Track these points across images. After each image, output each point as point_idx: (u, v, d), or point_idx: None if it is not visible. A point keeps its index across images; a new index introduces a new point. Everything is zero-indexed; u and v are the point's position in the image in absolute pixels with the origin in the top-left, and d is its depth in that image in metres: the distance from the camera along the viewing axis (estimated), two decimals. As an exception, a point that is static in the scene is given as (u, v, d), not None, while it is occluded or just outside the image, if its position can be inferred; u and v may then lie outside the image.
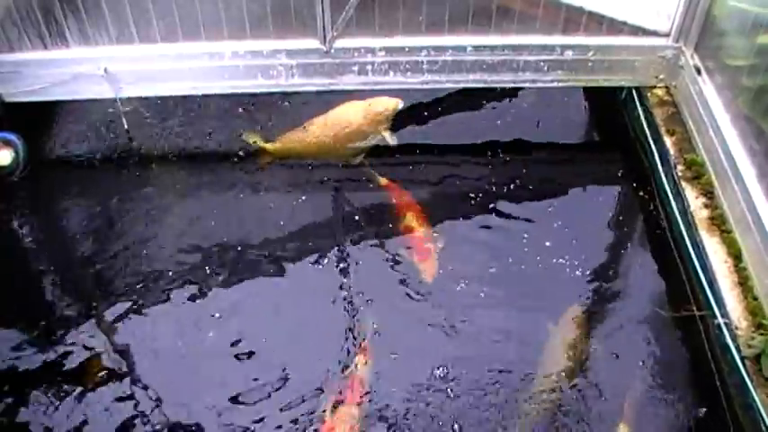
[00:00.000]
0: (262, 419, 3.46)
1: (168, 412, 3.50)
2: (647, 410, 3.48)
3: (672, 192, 4.20)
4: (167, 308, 3.93)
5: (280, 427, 3.43)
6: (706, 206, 3.97)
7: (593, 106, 5.13)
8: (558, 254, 4.11)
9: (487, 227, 4.30)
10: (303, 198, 4.50)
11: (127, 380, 3.62)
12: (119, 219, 4.41)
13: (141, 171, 4.70)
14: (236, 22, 4.34)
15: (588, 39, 4.47)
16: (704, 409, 3.47)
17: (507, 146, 4.79)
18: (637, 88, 4.73)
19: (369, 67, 4.56)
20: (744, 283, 3.58)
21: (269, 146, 4.70)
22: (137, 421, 3.47)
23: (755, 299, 3.50)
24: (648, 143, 4.51)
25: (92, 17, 4.30)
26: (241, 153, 4.76)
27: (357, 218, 4.38)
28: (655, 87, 4.66)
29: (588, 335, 3.76)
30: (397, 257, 4.11)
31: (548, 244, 4.16)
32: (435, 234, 4.21)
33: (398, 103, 4.64)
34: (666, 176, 4.28)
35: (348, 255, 4.15)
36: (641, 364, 3.65)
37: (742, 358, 3.31)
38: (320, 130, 4.66)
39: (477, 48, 4.48)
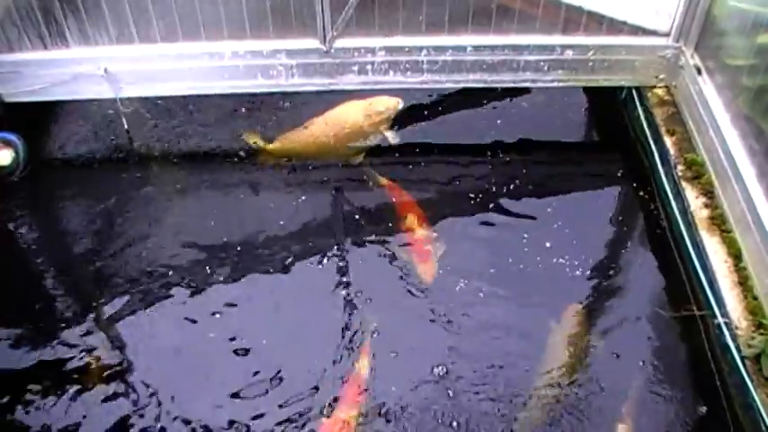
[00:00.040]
0: (261, 419, 3.45)
1: (168, 412, 3.49)
2: (648, 410, 3.48)
3: (672, 191, 4.20)
4: (167, 307, 3.93)
5: (279, 426, 3.42)
6: (706, 206, 3.97)
7: (593, 106, 5.12)
8: (558, 254, 4.11)
9: (487, 227, 4.30)
10: (303, 198, 4.50)
11: (127, 379, 3.62)
12: (119, 218, 4.41)
13: (141, 171, 4.70)
14: (235, 21, 4.34)
15: (588, 38, 4.47)
16: (704, 409, 3.47)
17: (507, 146, 4.79)
18: (637, 88, 4.73)
19: (369, 67, 4.56)
20: (744, 282, 3.58)
21: (269, 146, 4.70)
22: (137, 421, 3.47)
23: (755, 298, 3.50)
24: (648, 143, 4.51)
25: (92, 17, 4.30)
26: (241, 153, 4.77)
27: (357, 218, 4.39)
28: (655, 87, 4.66)
29: (588, 334, 3.76)
30: (396, 258, 4.10)
31: (548, 244, 4.15)
32: (436, 236, 4.20)
33: (399, 103, 4.63)
34: (666, 176, 4.28)
35: (348, 255, 4.15)
36: (641, 363, 3.64)
37: (742, 358, 3.30)
38: (320, 129, 4.66)
39: (477, 48, 4.48)
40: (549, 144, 4.89)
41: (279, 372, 3.62)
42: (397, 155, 4.73)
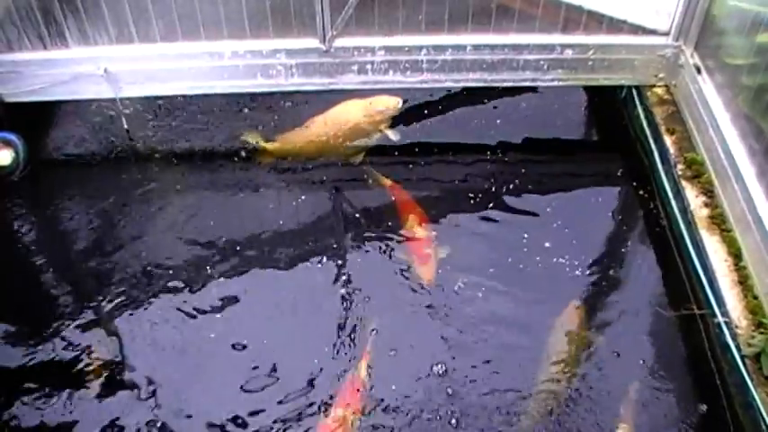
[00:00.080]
0: (261, 419, 3.45)
1: (168, 411, 3.50)
2: (648, 409, 3.48)
3: (672, 191, 4.20)
4: (167, 307, 3.93)
5: (279, 426, 3.43)
6: (706, 205, 3.97)
7: (592, 105, 5.12)
8: (558, 253, 4.11)
9: (486, 226, 4.30)
10: (303, 197, 4.50)
11: (127, 379, 3.63)
12: (118, 218, 4.41)
13: (141, 171, 4.70)
14: (235, 21, 4.34)
15: (588, 38, 4.47)
16: (704, 408, 3.47)
17: (507, 145, 4.79)
18: (637, 87, 4.73)
19: (368, 67, 4.56)
20: (744, 281, 3.58)
21: (269, 145, 4.70)
22: (137, 420, 3.47)
23: (755, 298, 3.50)
24: (648, 142, 4.51)
25: (91, 17, 4.30)
26: (241, 153, 4.76)
27: (357, 218, 4.38)
28: (654, 86, 4.66)
29: (588, 333, 3.76)
30: (396, 259, 4.10)
31: (547, 244, 4.15)
32: (437, 239, 4.18)
33: (398, 102, 4.63)
34: (666, 175, 4.28)
35: (348, 255, 4.15)
36: (641, 362, 3.65)
37: (742, 357, 3.31)
38: (320, 128, 4.66)
39: (476, 47, 4.48)
40: (549, 143, 4.89)
41: (279, 371, 3.63)
42: (396, 154, 4.73)
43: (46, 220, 4.49)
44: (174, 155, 4.81)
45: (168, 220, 4.39)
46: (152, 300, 3.95)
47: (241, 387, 3.59)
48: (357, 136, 4.67)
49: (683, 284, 3.92)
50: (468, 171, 4.65)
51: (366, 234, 4.26)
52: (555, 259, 4.08)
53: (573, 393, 3.52)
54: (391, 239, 4.21)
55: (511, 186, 4.50)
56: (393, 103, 4.62)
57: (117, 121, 4.83)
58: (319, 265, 4.10)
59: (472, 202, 4.41)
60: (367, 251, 4.18)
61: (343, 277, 4.03)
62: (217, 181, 4.65)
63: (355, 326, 3.79)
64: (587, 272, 4.04)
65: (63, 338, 3.79)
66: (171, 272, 4.09)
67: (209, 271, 4.09)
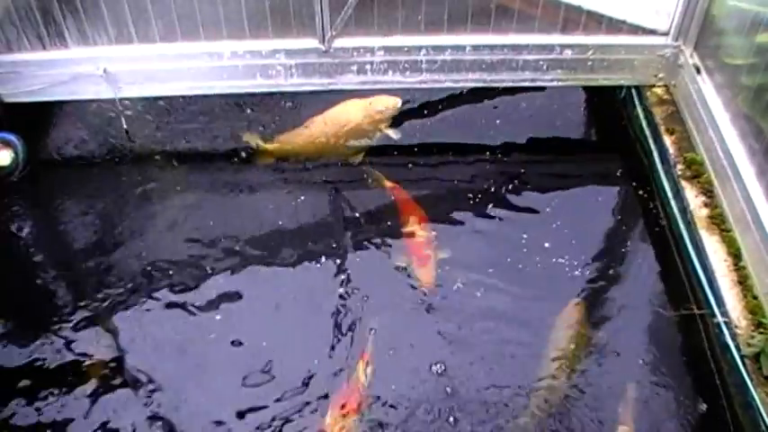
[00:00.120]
0: (260, 420, 3.45)
1: (167, 412, 3.50)
2: (647, 409, 3.48)
3: (671, 191, 4.20)
4: (167, 307, 3.93)
5: (278, 427, 3.42)
6: (705, 205, 3.96)
7: (592, 105, 5.12)
8: (557, 253, 4.11)
9: (485, 227, 4.29)
10: (302, 198, 4.49)
11: (127, 379, 3.62)
12: (118, 219, 4.41)
13: (141, 171, 4.69)
14: (235, 21, 4.34)
15: (587, 38, 4.47)
16: (704, 408, 3.47)
17: (506, 145, 4.79)
18: (636, 87, 4.73)
19: (368, 67, 4.56)
20: (743, 281, 3.58)
21: (269, 146, 4.70)
22: (136, 420, 3.47)
23: (755, 298, 3.50)
24: (648, 142, 4.51)
25: (90, 17, 4.30)
26: (241, 153, 4.76)
27: (357, 218, 4.38)
28: (654, 86, 4.66)
29: (588, 333, 3.76)
30: (395, 260, 4.10)
31: (547, 244, 4.15)
32: (437, 240, 4.17)
33: (398, 102, 4.63)
34: (666, 175, 4.28)
35: (347, 255, 4.14)
36: (641, 362, 3.65)
37: (741, 357, 3.30)
38: (320, 128, 4.66)
39: (476, 47, 4.48)
40: (549, 143, 4.89)
41: (278, 371, 3.62)
42: (395, 154, 4.73)
43: (45, 220, 4.49)
44: (173, 155, 4.80)
45: (168, 220, 4.39)
46: (151, 299, 3.95)
47: (240, 387, 3.58)
48: (356, 136, 4.67)
49: (682, 284, 3.92)
50: (467, 171, 4.64)
51: (365, 235, 4.26)
52: (554, 259, 4.08)
53: (573, 392, 3.52)
54: (391, 240, 4.21)
55: (510, 186, 4.50)
56: (392, 104, 4.62)
57: (116, 121, 4.83)
58: (319, 266, 4.10)
59: (471, 202, 4.41)
60: (366, 252, 4.18)
61: (343, 277, 4.03)
62: (216, 181, 4.65)
63: (355, 326, 3.79)
64: (587, 272, 4.04)
65: (62, 337, 3.79)
66: (170, 272, 4.08)
67: (208, 271, 4.09)
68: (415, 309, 3.87)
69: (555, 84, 4.67)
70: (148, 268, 4.11)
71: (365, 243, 4.21)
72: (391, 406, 3.48)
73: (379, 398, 3.51)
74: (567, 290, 3.95)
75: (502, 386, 3.54)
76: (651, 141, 4.48)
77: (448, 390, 3.54)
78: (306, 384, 3.56)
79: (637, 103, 4.71)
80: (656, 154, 4.40)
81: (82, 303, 3.96)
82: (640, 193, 4.46)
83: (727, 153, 3.87)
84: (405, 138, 4.76)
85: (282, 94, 4.94)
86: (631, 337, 3.75)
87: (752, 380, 3.23)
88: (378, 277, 4.04)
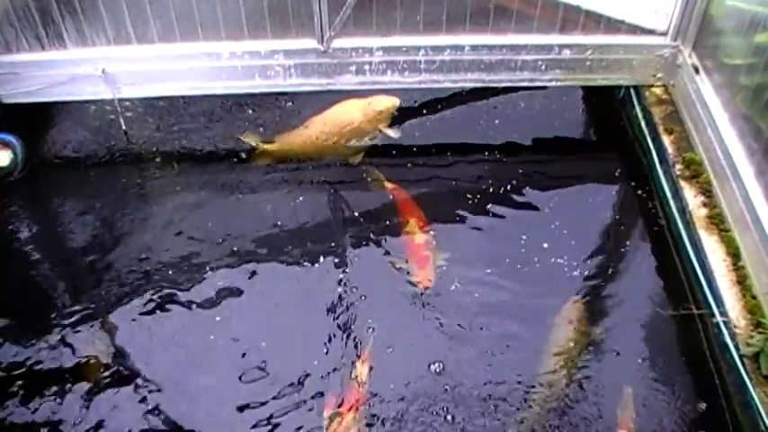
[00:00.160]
0: (259, 422, 3.45)
1: (167, 414, 3.49)
2: (646, 408, 3.47)
3: (670, 191, 4.20)
4: (166, 308, 3.92)
5: (277, 426, 3.42)
6: (704, 205, 3.97)
7: (590, 105, 5.12)
8: (556, 254, 4.11)
9: (485, 228, 4.29)
10: (301, 198, 4.49)
11: (126, 381, 3.62)
12: (117, 220, 4.40)
13: (139, 172, 4.69)
14: (233, 22, 4.34)
15: (586, 38, 4.47)
16: (703, 408, 3.47)
17: (505, 145, 4.79)
18: (635, 87, 4.73)
19: (366, 67, 4.56)
20: (742, 281, 3.58)
21: (268, 146, 4.70)
22: (135, 420, 3.46)
23: (754, 297, 3.50)
24: (647, 142, 4.51)
25: (89, 18, 4.30)
26: (240, 154, 4.76)
27: (356, 219, 4.37)
28: (653, 86, 4.66)
29: (588, 332, 3.76)
30: (394, 262, 4.09)
31: (546, 245, 4.15)
32: (436, 241, 4.17)
33: (396, 102, 4.63)
34: (665, 175, 4.28)
35: (347, 256, 4.14)
36: (640, 361, 3.65)
37: (740, 357, 3.31)
38: (319, 129, 4.66)
39: (474, 47, 4.48)
40: (548, 143, 4.89)
41: (278, 372, 3.62)
42: (394, 154, 4.73)
43: (44, 220, 4.49)
44: (172, 156, 4.80)
45: (167, 221, 4.39)
46: (150, 300, 3.95)
47: (240, 387, 3.58)
48: (355, 136, 4.66)
49: (681, 284, 3.92)
50: (465, 171, 4.64)
51: (364, 235, 4.25)
52: (553, 259, 4.08)
53: (572, 391, 3.52)
54: (390, 241, 4.21)
55: (509, 186, 4.50)
56: (391, 104, 4.62)
57: (115, 122, 4.82)
58: (318, 266, 4.10)
59: (470, 202, 4.41)
60: (365, 252, 4.17)
61: (342, 278, 4.02)
62: (215, 181, 4.64)
63: (354, 326, 3.78)
64: (586, 272, 4.04)
65: (61, 337, 3.78)
66: (170, 272, 4.08)
67: (207, 271, 4.09)
68: (413, 308, 3.87)
69: (553, 84, 4.67)
70: (147, 268, 4.11)
71: (364, 243, 4.21)
72: (389, 404, 3.48)
73: (377, 395, 3.51)
74: (566, 290, 3.95)
75: (500, 385, 3.54)
76: (650, 141, 4.48)
77: (446, 388, 3.53)
78: (305, 384, 3.56)
79: (635, 102, 4.71)
80: (654, 154, 4.40)
81: (81, 303, 3.96)
82: (639, 193, 4.46)
83: (726, 153, 3.88)
84: (404, 138, 4.76)
85: (282, 94, 4.94)
86: (630, 337, 3.75)
87: (751, 379, 3.23)
88: (376, 277, 4.03)
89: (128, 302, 3.94)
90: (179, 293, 3.98)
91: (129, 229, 4.35)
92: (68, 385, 3.59)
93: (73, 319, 3.87)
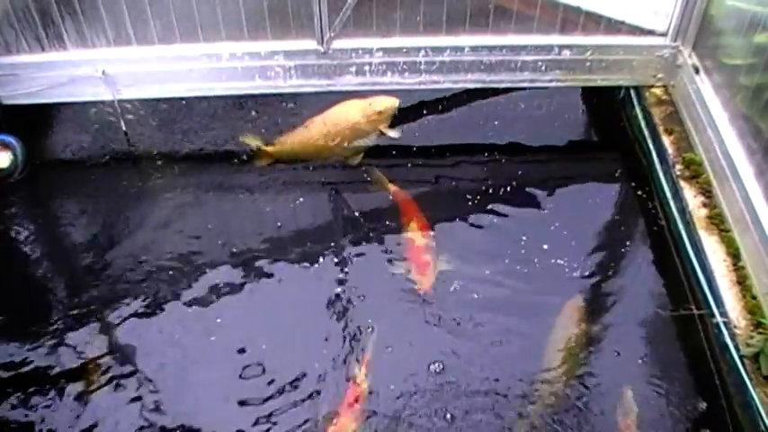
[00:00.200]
0: (259, 424, 3.45)
1: (166, 415, 3.49)
2: (647, 409, 3.47)
3: (670, 191, 4.20)
4: (166, 310, 3.92)
5: (276, 429, 3.43)
6: (704, 205, 3.97)
7: (590, 106, 5.12)
8: (556, 254, 4.10)
9: (484, 228, 4.28)
10: (301, 200, 4.49)
11: (125, 382, 3.62)
12: (117, 221, 4.40)
13: (139, 173, 4.69)
14: (233, 23, 4.34)
15: (586, 38, 4.47)
16: (703, 408, 3.47)
17: (504, 146, 4.79)
18: (635, 87, 4.73)
19: (366, 68, 4.56)
20: (742, 281, 3.58)
21: (268, 147, 4.70)
22: (135, 422, 3.46)
23: (754, 298, 3.50)
24: (647, 142, 4.51)
25: (89, 19, 4.30)
26: (241, 155, 4.76)
27: (356, 220, 4.37)
28: (653, 87, 4.66)
29: (588, 333, 3.76)
30: (394, 266, 4.08)
31: (545, 246, 4.15)
32: (437, 245, 4.16)
33: (396, 103, 4.63)
34: (665, 176, 4.28)
35: (347, 258, 4.14)
36: (640, 361, 3.64)
37: (741, 357, 3.30)
38: (319, 130, 4.66)
39: (474, 48, 4.49)
40: (547, 144, 4.89)
41: (278, 374, 3.61)
42: (394, 154, 4.73)
43: (44, 221, 4.49)
44: (172, 157, 4.80)
45: (167, 222, 4.39)
46: (150, 302, 3.95)
47: (239, 388, 3.57)
48: (356, 137, 4.66)
49: (681, 285, 3.92)
50: (465, 172, 4.65)
51: (365, 237, 4.25)
52: (553, 260, 4.08)
53: (572, 392, 3.52)
54: (390, 244, 4.20)
55: (509, 187, 4.50)
56: (391, 104, 4.61)
57: (115, 123, 4.83)
58: (319, 267, 4.09)
59: (470, 203, 4.41)
60: (366, 255, 4.16)
61: (342, 280, 4.02)
62: (216, 183, 4.64)
63: (354, 328, 3.78)
64: (586, 273, 4.04)
65: (60, 338, 3.78)
66: (169, 274, 4.08)
67: (207, 273, 4.08)
68: (413, 309, 3.87)
69: (554, 84, 4.67)
70: (147, 269, 4.11)
71: (365, 245, 4.21)
72: (388, 403, 3.48)
73: (376, 393, 3.51)
74: (567, 290, 3.95)
75: (500, 384, 3.54)
76: (650, 142, 4.48)
77: (446, 388, 3.53)
78: (305, 387, 3.56)
79: (635, 103, 4.71)
80: (654, 154, 4.40)
81: (81, 303, 3.96)
82: (639, 193, 4.46)
83: (726, 153, 3.88)
84: (403, 138, 4.76)
85: (282, 95, 4.95)
86: (630, 337, 3.75)
87: (751, 380, 3.23)
88: (377, 278, 4.03)
89: (127, 303, 3.94)
90: (179, 294, 3.98)
91: (129, 229, 4.35)
92: (68, 385, 3.59)
93: (73, 320, 3.87)
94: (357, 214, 4.40)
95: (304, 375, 3.60)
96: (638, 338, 3.76)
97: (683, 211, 4.00)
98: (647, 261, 4.14)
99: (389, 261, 4.11)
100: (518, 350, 3.68)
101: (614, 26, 4.45)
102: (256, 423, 3.45)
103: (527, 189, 4.50)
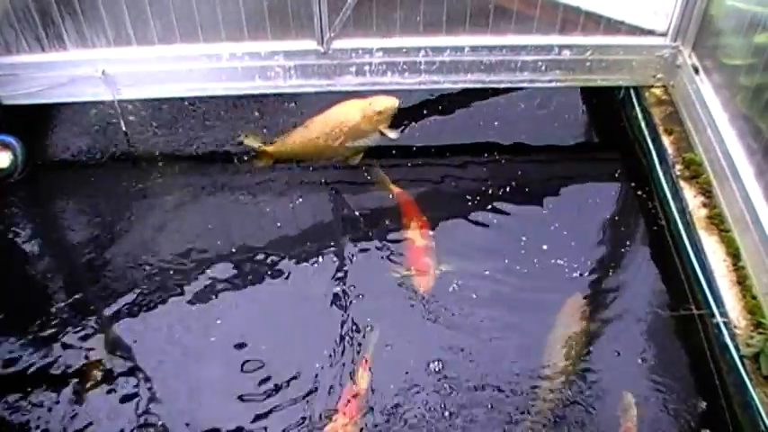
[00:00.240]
0: (259, 425, 3.45)
1: (166, 416, 3.49)
2: (647, 409, 3.47)
3: (670, 191, 4.20)
4: (166, 311, 3.92)
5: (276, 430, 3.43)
6: (704, 205, 3.97)
7: (590, 106, 5.12)
8: (556, 255, 4.10)
9: (484, 229, 4.29)
10: (300, 200, 4.49)
11: (126, 382, 3.62)
12: (117, 221, 4.41)
13: (139, 173, 4.69)
14: (233, 23, 4.34)
15: (586, 38, 4.47)
16: (703, 408, 3.47)
17: (504, 146, 4.79)
18: (635, 88, 4.73)
19: (366, 68, 4.56)
20: (742, 281, 3.58)
21: (268, 147, 4.70)
22: (135, 423, 3.46)
23: (754, 298, 3.50)
24: (646, 142, 4.51)
25: (89, 19, 4.30)
26: (241, 155, 4.76)
27: (356, 221, 4.37)
28: (653, 87, 4.66)
29: (587, 331, 3.76)
30: (394, 268, 4.08)
31: (545, 246, 4.14)
32: (437, 246, 4.16)
33: (396, 103, 4.63)
34: (665, 176, 4.28)
35: (347, 259, 4.14)
36: (641, 361, 3.64)
37: (741, 357, 3.31)
38: (319, 130, 4.65)
39: (474, 48, 4.48)
40: (547, 144, 4.89)
41: (277, 376, 3.61)
42: (393, 154, 4.73)
43: (44, 221, 4.49)
44: (172, 157, 4.80)
45: (167, 222, 4.39)
46: (150, 302, 3.95)
47: (240, 390, 3.58)
48: (355, 137, 4.66)
49: (681, 285, 3.92)
50: (465, 172, 4.65)
51: (365, 238, 4.25)
52: (553, 260, 4.08)
53: (572, 391, 3.52)
54: (390, 246, 4.19)
55: (508, 187, 4.50)
56: (391, 104, 4.61)
57: (115, 123, 4.83)
58: (319, 268, 4.09)
59: (469, 203, 4.41)
60: (365, 255, 4.16)
61: (342, 280, 4.02)
62: (215, 183, 4.64)
63: (354, 329, 3.78)
64: (586, 273, 4.04)
65: (60, 338, 3.78)
66: (169, 274, 4.08)
67: (207, 274, 4.09)
68: (412, 309, 3.87)
69: (553, 84, 4.67)
70: (147, 269, 4.11)
71: (364, 246, 4.21)
72: (389, 401, 3.49)
73: (376, 391, 3.52)
74: (566, 290, 3.95)
75: (500, 384, 3.55)
76: (650, 142, 4.48)
77: (445, 386, 3.54)
78: (305, 388, 3.56)
79: (635, 103, 4.71)
80: (654, 154, 4.40)
81: (80, 304, 3.96)
82: (639, 193, 4.46)
83: (726, 153, 3.88)
84: (403, 138, 4.76)
85: (282, 95, 4.94)
86: (631, 337, 3.75)
87: (751, 380, 3.23)
88: (377, 279, 4.03)
89: (127, 303, 3.94)
90: (179, 296, 3.98)
91: (129, 229, 4.35)
92: (67, 383, 3.59)
93: (72, 319, 3.88)
94: (357, 214, 4.41)
95: (304, 374, 3.60)
96: (638, 338, 3.76)
97: (683, 211, 4.00)
98: (647, 261, 4.15)
99: (389, 263, 4.11)
100: (517, 349, 3.68)
101: (614, 26, 4.44)
102: (256, 421, 3.46)
103: (527, 189, 4.50)
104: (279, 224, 4.35)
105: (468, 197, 4.44)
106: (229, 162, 4.74)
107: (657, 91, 4.65)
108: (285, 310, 3.92)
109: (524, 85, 4.73)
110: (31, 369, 3.67)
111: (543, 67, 4.57)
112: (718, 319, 3.48)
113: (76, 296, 4.02)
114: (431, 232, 4.25)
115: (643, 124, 4.59)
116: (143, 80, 4.55)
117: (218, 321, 3.86)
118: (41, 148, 4.85)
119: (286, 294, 4.00)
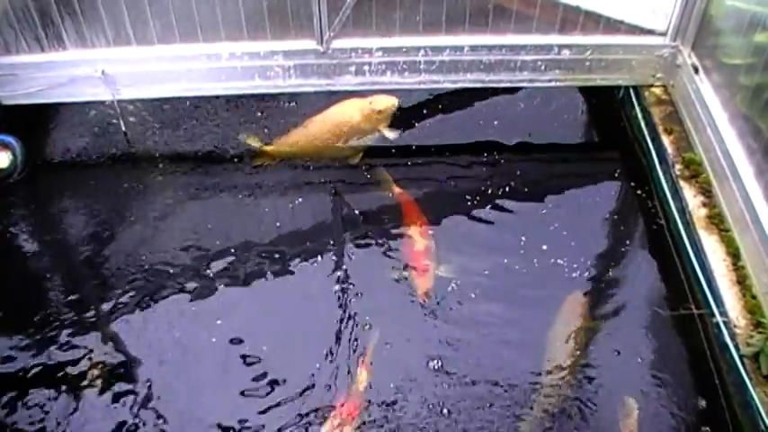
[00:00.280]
0: (259, 425, 3.45)
1: (166, 416, 3.49)
2: (647, 409, 3.47)
3: (670, 191, 4.20)
4: (166, 311, 3.92)
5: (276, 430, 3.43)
6: (704, 205, 3.97)
7: (590, 106, 5.12)
8: (556, 255, 4.10)
9: (484, 228, 4.29)
10: (300, 200, 4.49)
11: (126, 382, 3.62)
12: (117, 221, 4.41)
13: (139, 173, 4.69)
14: (233, 23, 4.34)
15: (585, 38, 4.48)
16: (703, 408, 3.47)
17: (504, 146, 4.79)
18: (634, 87, 4.73)
19: (366, 68, 4.56)
20: (742, 281, 3.58)
21: (268, 147, 4.70)
22: (135, 423, 3.46)
23: (754, 297, 3.50)
24: (646, 142, 4.51)
25: (88, 19, 4.30)
26: (241, 155, 4.76)
27: (355, 221, 4.37)
28: (652, 86, 4.66)
29: (587, 332, 3.76)
30: (394, 269, 4.08)
31: (545, 246, 4.14)
32: (436, 242, 4.16)
33: (396, 102, 4.63)
34: (664, 175, 4.28)
35: (347, 259, 4.13)
36: (640, 361, 3.64)
37: (740, 357, 3.31)
38: (318, 129, 4.66)
39: (474, 47, 4.48)
40: (547, 144, 4.89)
41: (278, 375, 3.62)
42: (393, 152, 4.73)
43: (44, 222, 4.49)
44: (172, 158, 4.80)
45: (166, 223, 4.39)
46: (151, 303, 3.95)
47: (240, 390, 3.58)
48: (355, 136, 4.66)
49: (681, 284, 3.92)
50: (464, 172, 4.65)
51: (365, 238, 4.25)
52: (553, 260, 4.08)
53: (573, 392, 3.52)
54: (391, 247, 4.19)
55: (508, 188, 4.50)
56: (391, 104, 4.62)
57: (115, 123, 4.82)
58: (319, 268, 4.09)
59: (469, 203, 4.41)
60: (365, 256, 4.16)
61: (342, 281, 4.02)
62: (215, 183, 4.64)
63: (354, 329, 3.78)
64: (586, 272, 4.04)
65: (60, 338, 3.78)
66: (169, 274, 4.08)
67: (207, 274, 4.09)
68: (412, 309, 3.87)
69: (553, 84, 4.67)
70: (147, 270, 4.11)
71: (364, 245, 4.21)
72: (388, 399, 3.49)
73: (375, 390, 3.52)
74: (566, 290, 3.95)
75: (500, 383, 3.55)
76: (649, 141, 4.48)
77: (445, 385, 3.54)
78: (305, 388, 3.56)
79: (635, 103, 4.71)
80: (654, 154, 4.40)
81: (80, 304, 3.96)
82: (639, 193, 4.46)
83: (726, 153, 3.88)
84: (403, 138, 4.76)
85: (282, 94, 4.94)
86: (631, 337, 3.75)
87: (751, 379, 3.23)
88: (376, 279, 4.03)
89: (127, 303, 3.94)
90: (179, 296, 3.98)
91: (129, 229, 4.35)
92: (66, 383, 3.59)
93: (72, 319, 3.88)
94: (357, 214, 4.40)
95: (305, 377, 3.59)
96: (638, 338, 3.76)
97: (683, 210, 4.00)
98: (647, 261, 4.15)
99: (389, 264, 4.10)
100: (517, 349, 3.68)
101: (613, 26, 4.45)
102: (256, 420, 3.45)
103: (527, 189, 4.50)
104: (279, 224, 4.35)
105: (468, 197, 4.44)
106: (229, 162, 4.74)
107: (657, 90, 4.65)
108: (285, 310, 3.92)
109: (524, 84, 4.73)
110: (31, 368, 3.67)
111: (543, 67, 4.57)
112: (718, 318, 3.48)
113: (76, 296, 4.03)
114: (431, 232, 4.24)
115: (643, 124, 4.59)
116: (142, 80, 4.55)
117: (219, 321, 3.85)
118: (41, 148, 4.85)
119: (286, 294, 4.00)
